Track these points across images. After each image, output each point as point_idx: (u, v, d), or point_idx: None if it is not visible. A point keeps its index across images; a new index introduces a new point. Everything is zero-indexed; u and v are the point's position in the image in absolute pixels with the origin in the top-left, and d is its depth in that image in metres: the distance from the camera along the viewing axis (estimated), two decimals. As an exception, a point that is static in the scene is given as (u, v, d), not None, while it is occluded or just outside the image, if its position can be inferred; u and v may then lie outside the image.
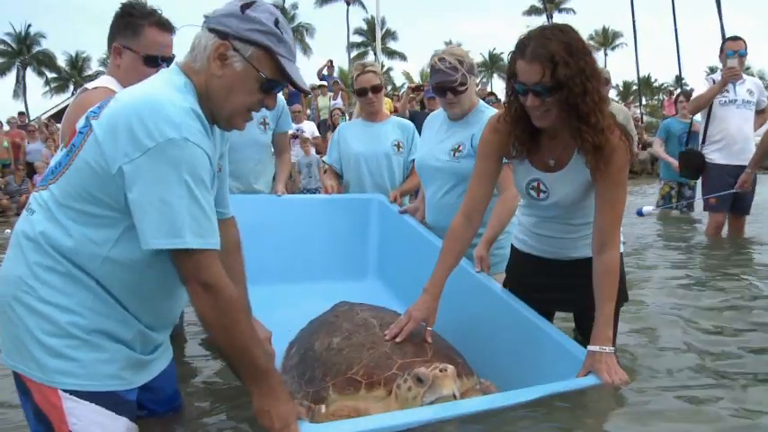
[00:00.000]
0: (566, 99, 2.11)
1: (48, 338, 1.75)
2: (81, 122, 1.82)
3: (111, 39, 2.70)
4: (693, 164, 6.06)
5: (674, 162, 7.56)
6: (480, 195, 2.47)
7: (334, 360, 2.23)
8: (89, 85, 2.72)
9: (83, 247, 1.77)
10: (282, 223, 3.73)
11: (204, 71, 1.83)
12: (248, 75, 1.83)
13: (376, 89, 4.06)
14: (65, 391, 1.77)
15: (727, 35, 6.10)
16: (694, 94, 6.03)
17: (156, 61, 2.68)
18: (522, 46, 2.14)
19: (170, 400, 2.24)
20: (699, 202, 7.16)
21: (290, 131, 11.62)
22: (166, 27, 2.70)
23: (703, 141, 5.98)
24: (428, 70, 3.24)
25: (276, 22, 1.83)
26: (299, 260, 3.68)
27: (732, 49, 5.70)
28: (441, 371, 1.94)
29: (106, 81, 2.69)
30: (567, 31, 2.14)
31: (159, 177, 1.65)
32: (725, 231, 6.00)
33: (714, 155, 5.87)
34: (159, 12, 2.69)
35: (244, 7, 1.82)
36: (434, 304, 2.37)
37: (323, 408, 2.10)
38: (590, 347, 2.16)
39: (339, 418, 2.01)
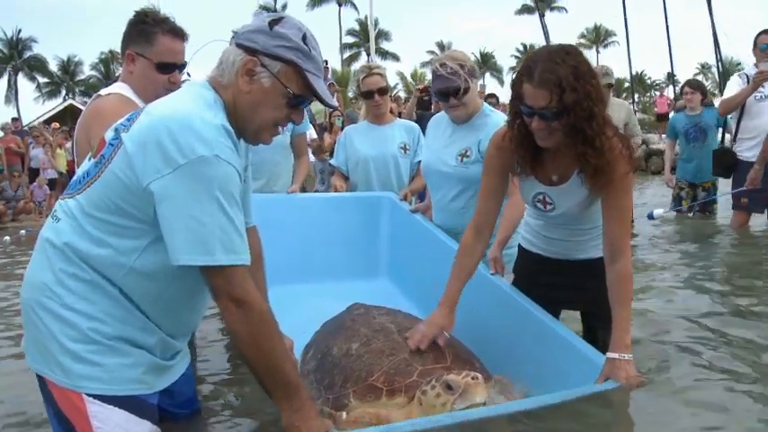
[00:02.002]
0: (572, 123, 2.13)
1: (72, 344, 1.78)
2: (110, 134, 1.84)
3: (125, 46, 2.72)
4: (725, 162, 5.87)
5: (669, 177, 7.44)
6: (489, 210, 2.50)
7: (353, 366, 2.24)
8: (102, 92, 2.73)
9: (108, 256, 1.79)
10: (292, 222, 3.72)
11: (232, 86, 1.85)
12: (276, 90, 1.85)
13: (382, 91, 4.08)
14: (89, 395, 1.80)
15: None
16: (727, 94, 5.84)
17: (169, 68, 2.70)
18: (529, 69, 2.14)
19: (189, 402, 2.26)
20: (721, 205, 6.86)
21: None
22: (179, 34, 2.72)
23: (734, 138, 5.79)
24: (421, 70, 3.26)
25: (304, 38, 1.85)
26: (309, 259, 3.68)
27: (766, 42, 5.54)
28: (473, 378, 1.94)
29: (119, 87, 2.71)
30: (573, 53, 2.15)
31: (190, 194, 1.67)
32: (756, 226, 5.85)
33: (748, 152, 5.66)
34: (172, 19, 2.70)
35: (272, 23, 1.83)
36: (452, 316, 2.39)
37: (344, 414, 2.11)
38: (609, 355, 2.16)
39: (361, 425, 2.03)
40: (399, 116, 7.83)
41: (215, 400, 2.60)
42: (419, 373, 2.13)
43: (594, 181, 2.24)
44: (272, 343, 1.79)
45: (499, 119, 3.12)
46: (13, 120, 18.57)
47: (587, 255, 2.58)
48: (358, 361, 2.25)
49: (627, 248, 2.30)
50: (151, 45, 2.66)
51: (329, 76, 18.56)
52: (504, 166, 2.45)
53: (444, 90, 3.09)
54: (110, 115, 2.25)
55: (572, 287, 2.62)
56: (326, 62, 18.71)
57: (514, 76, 2.24)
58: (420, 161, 3.96)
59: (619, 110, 6.40)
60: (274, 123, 1.92)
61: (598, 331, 2.60)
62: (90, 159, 1.89)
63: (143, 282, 1.83)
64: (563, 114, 2.11)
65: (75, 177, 1.92)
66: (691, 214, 7.19)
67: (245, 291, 1.74)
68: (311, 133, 11.66)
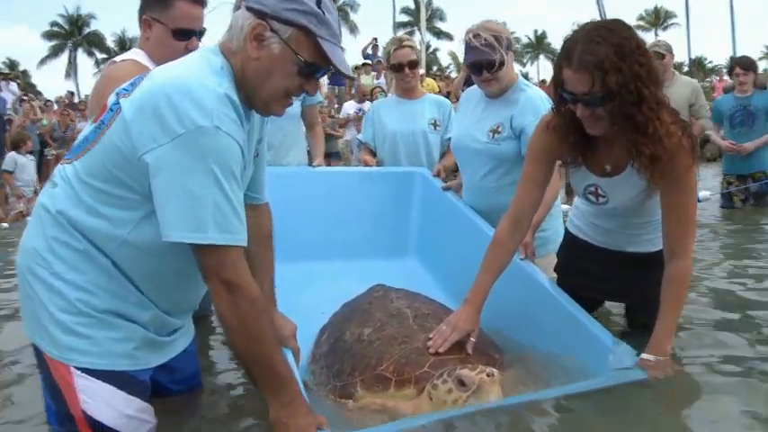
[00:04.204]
0: (619, 109, 1.92)
1: (60, 314, 1.73)
2: (111, 99, 1.75)
3: (142, 11, 2.62)
4: None
5: (723, 144, 6.46)
6: (530, 201, 2.31)
7: (363, 353, 2.12)
8: (117, 58, 2.66)
9: (102, 227, 1.72)
10: (319, 197, 3.57)
11: (240, 52, 1.73)
12: (286, 57, 1.71)
13: (412, 65, 3.90)
14: (77, 368, 1.74)
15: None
16: None
17: (186, 35, 2.60)
18: (568, 51, 1.95)
19: (189, 380, 2.18)
20: None
21: (353, 112, 11.46)
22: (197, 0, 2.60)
23: None
24: None
25: (319, 2, 1.70)
26: (335, 236, 3.51)
27: None
28: (488, 375, 1.79)
29: (134, 54, 2.63)
30: (616, 29, 1.93)
31: (186, 166, 1.57)
32: None
33: None
34: None
35: None
36: (478, 316, 2.20)
37: (350, 403, 2.01)
38: (643, 355, 2.04)
39: (368, 413, 1.93)
40: (447, 96, 7.65)
41: (217, 376, 2.50)
42: (431, 364, 1.99)
43: (652, 171, 2.02)
44: (261, 331, 1.68)
45: (535, 94, 2.95)
46: (69, 93, 18.96)
47: (639, 248, 2.42)
48: (368, 348, 2.14)
49: (686, 251, 2.10)
50: (168, 10, 2.56)
51: (379, 53, 18.41)
52: (552, 153, 2.26)
53: (478, 63, 2.90)
54: (122, 82, 2.17)
55: (619, 279, 2.47)
56: (376, 40, 18.62)
57: (555, 60, 2.05)
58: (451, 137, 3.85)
59: (683, 88, 5.82)
60: (285, 93, 1.78)
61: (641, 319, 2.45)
62: (91, 124, 1.81)
63: (137, 256, 1.75)
64: (608, 99, 1.91)
65: (75, 142, 1.85)
66: (748, 207, 6.39)
67: (236, 273, 1.64)
68: (364, 106, 11.52)
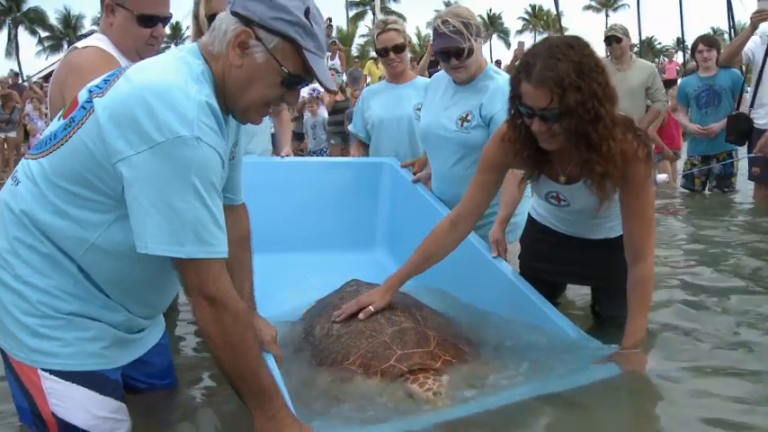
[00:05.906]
0: (575, 126, 1.95)
1: (24, 317, 1.68)
2: (84, 95, 1.67)
3: None
4: (740, 128, 5.52)
5: (692, 127, 6.25)
6: (474, 205, 2.35)
7: (331, 348, 2.14)
8: (79, 44, 2.55)
9: (69, 229, 1.65)
10: (285, 188, 3.50)
11: (222, 58, 1.67)
12: (270, 68, 1.66)
13: (398, 48, 3.71)
14: (45, 370, 1.70)
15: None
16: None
17: (151, 21, 2.51)
18: (527, 66, 1.96)
19: (163, 374, 2.14)
20: (741, 179, 6.20)
21: (307, 94, 11.14)
22: None
23: (752, 104, 5.53)
24: (426, 31, 3.02)
25: (307, 13, 1.66)
26: (302, 228, 3.45)
27: None
28: (434, 394, 1.87)
29: (97, 40, 2.52)
30: (577, 46, 1.96)
31: (164, 177, 1.51)
32: None
33: (763, 120, 5.41)
34: None
35: None
36: (387, 295, 2.29)
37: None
38: (617, 351, 2.12)
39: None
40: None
41: (190, 369, 2.47)
42: (397, 358, 2.02)
43: (601, 187, 2.07)
44: (246, 346, 1.65)
45: (504, 82, 2.90)
46: (13, 73, 18.29)
47: (602, 235, 2.47)
48: (336, 342, 2.16)
49: (649, 252, 2.16)
50: None
51: (333, 33, 18.22)
52: (505, 165, 2.30)
53: (446, 50, 2.88)
54: (87, 71, 2.11)
55: (582, 263, 2.51)
56: (330, 20, 18.41)
57: (513, 72, 2.07)
58: None
59: (640, 73, 5.90)
60: (265, 103, 1.73)
61: (606, 308, 2.57)
62: (60, 119, 1.73)
63: (105, 261, 1.69)
64: (565, 116, 1.94)
65: (42, 136, 1.77)
66: (707, 192, 6.29)
67: (219, 288, 1.61)
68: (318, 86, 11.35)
